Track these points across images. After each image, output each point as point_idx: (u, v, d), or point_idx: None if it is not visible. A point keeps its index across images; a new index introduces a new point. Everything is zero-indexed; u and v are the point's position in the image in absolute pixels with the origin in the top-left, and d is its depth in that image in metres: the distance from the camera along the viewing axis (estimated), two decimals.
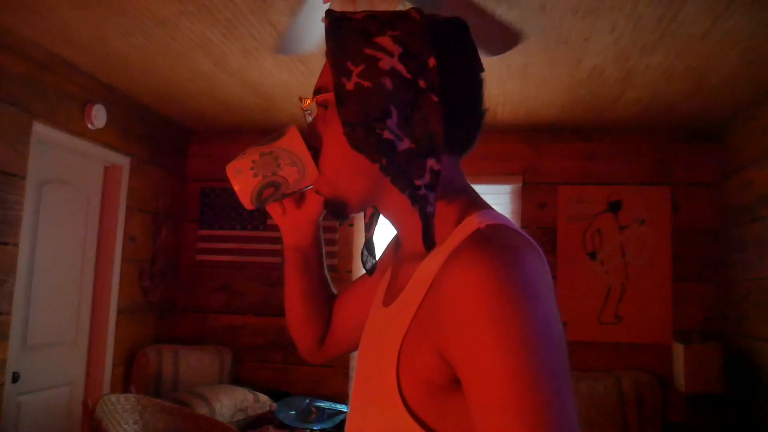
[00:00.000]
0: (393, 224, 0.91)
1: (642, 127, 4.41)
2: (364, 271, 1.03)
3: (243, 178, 0.90)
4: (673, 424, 4.08)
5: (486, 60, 0.85)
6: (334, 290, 1.14)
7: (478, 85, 0.84)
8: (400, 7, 2.06)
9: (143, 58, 3.41)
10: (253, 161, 0.90)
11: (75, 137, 3.59)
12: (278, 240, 4.56)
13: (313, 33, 2.35)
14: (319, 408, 4.26)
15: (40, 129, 3.30)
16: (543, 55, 3.21)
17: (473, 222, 0.76)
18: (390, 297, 0.88)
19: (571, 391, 0.65)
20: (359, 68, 0.77)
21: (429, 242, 0.77)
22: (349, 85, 0.77)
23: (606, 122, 4.34)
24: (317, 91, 0.86)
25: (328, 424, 4.09)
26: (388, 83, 0.77)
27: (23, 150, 3.19)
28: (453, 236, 0.77)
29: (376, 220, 0.98)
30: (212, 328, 4.83)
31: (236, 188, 0.90)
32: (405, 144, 0.77)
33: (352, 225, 4.70)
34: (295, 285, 1.07)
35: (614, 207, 4.43)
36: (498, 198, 4.62)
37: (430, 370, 0.72)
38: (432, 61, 0.77)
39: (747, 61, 3.15)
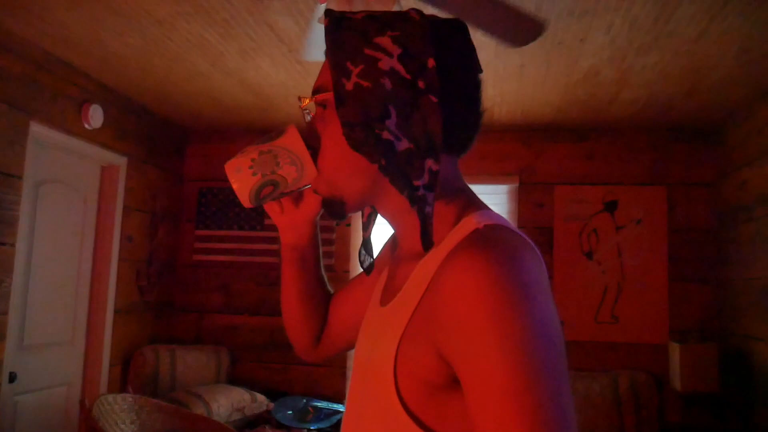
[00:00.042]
0: (390, 224, 0.91)
1: (638, 128, 4.42)
2: (361, 271, 1.04)
3: (242, 176, 0.90)
4: (669, 424, 4.09)
5: (482, 60, 0.86)
6: (331, 289, 1.14)
7: (476, 86, 0.84)
8: (396, 8, 2.06)
9: (140, 58, 3.41)
10: (252, 159, 0.90)
11: (72, 137, 3.59)
12: (276, 240, 4.56)
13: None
14: (316, 408, 4.26)
15: (36, 129, 3.29)
16: (539, 56, 3.22)
17: (471, 222, 0.77)
18: (387, 296, 0.88)
19: (570, 390, 0.65)
20: (359, 68, 0.78)
21: (427, 242, 0.77)
22: (349, 85, 0.78)
23: (602, 122, 4.36)
24: (316, 90, 0.86)
25: (325, 424, 4.09)
26: (387, 83, 0.77)
27: (20, 150, 3.19)
28: (451, 236, 0.77)
29: (374, 220, 0.98)
30: (209, 328, 4.83)
31: (235, 186, 0.90)
32: (404, 144, 0.77)
33: (349, 225, 4.70)
34: (292, 283, 1.07)
35: (611, 207, 4.44)
36: (495, 198, 4.62)
37: (428, 370, 0.72)
38: (431, 62, 0.77)
39: (743, 61, 3.16)
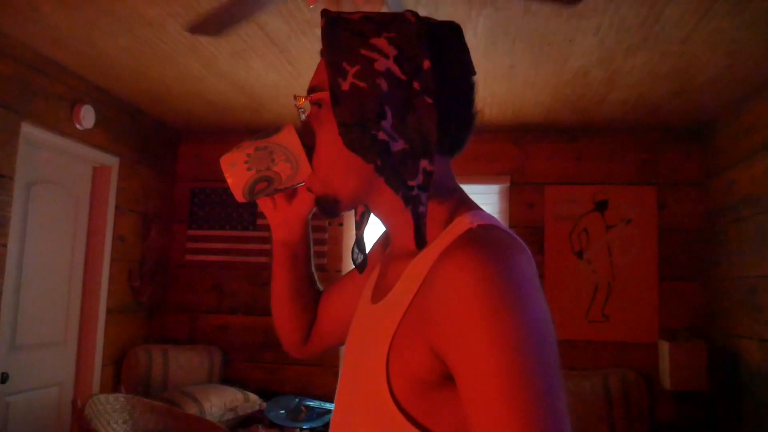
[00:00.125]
0: (383, 222, 0.92)
1: (628, 128, 4.45)
2: (352, 268, 1.04)
3: (237, 171, 0.90)
4: (659, 421, 4.12)
5: (473, 61, 0.87)
6: (321, 287, 1.14)
7: (470, 87, 0.85)
8: (384, 10, 2.08)
9: (132, 59, 3.41)
10: (248, 155, 0.90)
11: (64, 138, 3.58)
12: (268, 240, 4.57)
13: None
14: (308, 407, 4.27)
15: (28, 130, 3.29)
16: (528, 57, 3.24)
17: (464, 222, 0.78)
18: (379, 294, 0.88)
19: (563, 388, 0.66)
20: (355, 68, 0.79)
21: (421, 241, 0.78)
22: (345, 86, 0.79)
23: (592, 123, 4.38)
24: (312, 89, 0.87)
25: (317, 423, 4.10)
26: (383, 84, 0.78)
27: (11, 150, 3.18)
28: (443, 236, 0.78)
29: (367, 219, 0.99)
30: (202, 327, 4.83)
31: (229, 181, 0.91)
32: (399, 145, 0.78)
33: (341, 225, 4.71)
34: (282, 280, 1.08)
35: (601, 206, 4.47)
36: (486, 198, 4.64)
37: (421, 367, 0.73)
38: (426, 64, 0.79)
39: (730, 62, 3.19)
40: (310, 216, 1.04)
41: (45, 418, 3.60)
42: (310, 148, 0.88)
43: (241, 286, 4.82)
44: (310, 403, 4.33)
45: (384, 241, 1.05)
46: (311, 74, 0.92)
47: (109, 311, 4.06)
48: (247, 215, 4.79)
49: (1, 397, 3.23)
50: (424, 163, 0.78)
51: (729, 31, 2.83)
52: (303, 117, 0.93)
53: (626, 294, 4.37)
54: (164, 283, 4.85)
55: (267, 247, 4.70)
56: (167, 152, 4.89)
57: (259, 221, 4.78)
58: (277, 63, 3.40)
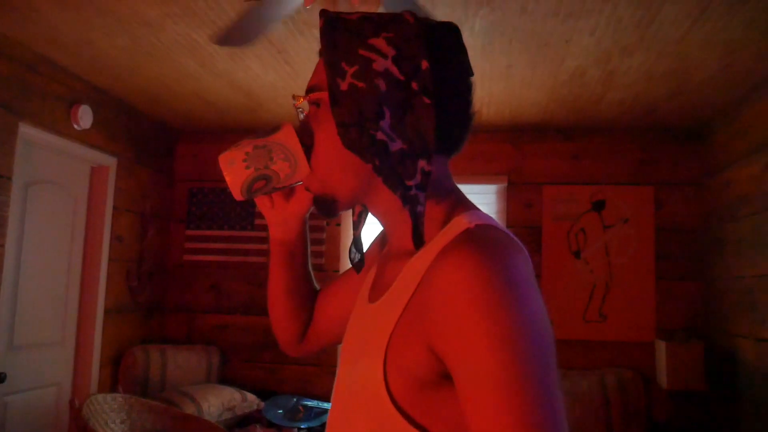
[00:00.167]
0: (381, 222, 0.92)
1: (625, 128, 4.46)
2: (349, 267, 1.05)
3: (235, 169, 0.91)
4: (656, 421, 4.13)
5: (470, 62, 0.88)
6: (317, 286, 1.15)
7: (468, 88, 0.86)
8: (380, 10, 2.08)
9: (129, 59, 3.42)
10: (247, 153, 0.90)
11: (61, 138, 3.58)
12: (266, 240, 4.57)
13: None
14: (306, 407, 4.27)
15: (26, 130, 3.29)
16: (525, 57, 3.24)
17: (462, 222, 0.78)
18: (376, 293, 0.88)
19: (560, 387, 0.67)
20: (353, 69, 0.79)
21: (418, 240, 0.79)
22: (344, 85, 0.79)
23: (589, 123, 4.39)
24: (310, 89, 0.88)
25: (315, 423, 4.10)
26: (381, 84, 0.78)
27: (9, 151, 3.18)
28: (441, 235, 0.79)
29: (365, 218, 0.99)
30: (200, 327, 4.83)
31: (228, 179, 0.91)
32: (397, 145, 0.79)
33: (339, 224, 4.71)
34: (279, 278, 1.08)
35: (598, 206, 4.48)
36: (484, 198, 4.65)
37: (418, 366, 0.73)
38: (425, 64, 0.79)
39: (727, 62, 3.20)
40: (308, 215, 1.04)
41: (43, 418, 3.60)
42: (308, 148, 0.89)
43: (239, 286, 4.82)
44: (308, 403, 4.33)
45: (381, 241, 1.05)
46: (309, 74, 0.92)
47: (106, 311, 4.06)
48: (245, 215, 4.79)
49: None
50: (422, 163, 0.78)
51: (725, 31, 2.84)
52: (301, 117, 0.94)
53: (623, 293, 4.38)
54: (162, 283, 4.85)
55: (265, 247, 4.70)
56: (165, 152, 4.89)
57: (258, 221, 4.78)
58: (275, 63, 3.41)
